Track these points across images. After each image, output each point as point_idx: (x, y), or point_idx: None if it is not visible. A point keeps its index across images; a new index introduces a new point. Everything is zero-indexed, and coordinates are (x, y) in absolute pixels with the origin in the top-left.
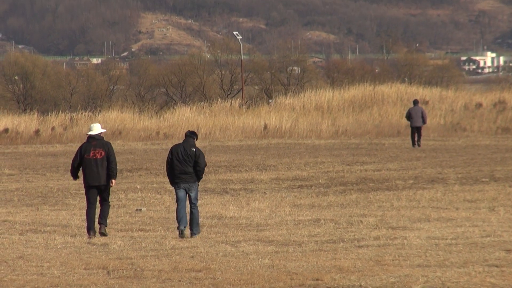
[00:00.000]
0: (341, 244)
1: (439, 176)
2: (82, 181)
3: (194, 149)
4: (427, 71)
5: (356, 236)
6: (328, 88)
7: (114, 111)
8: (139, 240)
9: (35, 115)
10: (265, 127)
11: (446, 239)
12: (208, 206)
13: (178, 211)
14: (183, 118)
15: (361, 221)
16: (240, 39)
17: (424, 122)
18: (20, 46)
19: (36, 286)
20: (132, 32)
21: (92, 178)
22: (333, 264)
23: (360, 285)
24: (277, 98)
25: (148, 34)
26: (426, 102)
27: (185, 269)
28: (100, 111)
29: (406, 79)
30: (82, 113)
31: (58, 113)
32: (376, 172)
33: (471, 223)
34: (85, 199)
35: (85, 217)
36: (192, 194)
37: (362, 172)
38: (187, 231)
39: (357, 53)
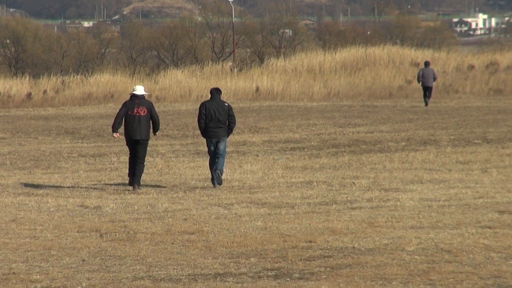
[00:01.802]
0: (334, 206)
1: (431, 138)
2: (124, 135)
3: (227, 104)
4: (419, 33)
5: (348, 198)
6: (320, 51)
7: (106, 74)
8: (132, 203)
9: (27, 79)
10: (257, 89)
11: (439, 200)
12: (200, 168)
13: (210, 162)
14: (174, 81)
15: (353, 183)
16: (232, 1)
17: (434, 80)
18: (11, 10)
19: (29, 249)
20: None
21: (134, 132)
22: (326, 226)
23: (353, 247)
24: (268, 60)
25: None
26: (418, 64)
27: (178, 232)
28: (91, 74)
29: (398, 41)
30: (73, 76)
31: (50, 77)
32: (369, 134)
33: (463, 185)
34: (128, 150)
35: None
36: (221, 146)
37: (354, 134)
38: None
39: (349, 15)
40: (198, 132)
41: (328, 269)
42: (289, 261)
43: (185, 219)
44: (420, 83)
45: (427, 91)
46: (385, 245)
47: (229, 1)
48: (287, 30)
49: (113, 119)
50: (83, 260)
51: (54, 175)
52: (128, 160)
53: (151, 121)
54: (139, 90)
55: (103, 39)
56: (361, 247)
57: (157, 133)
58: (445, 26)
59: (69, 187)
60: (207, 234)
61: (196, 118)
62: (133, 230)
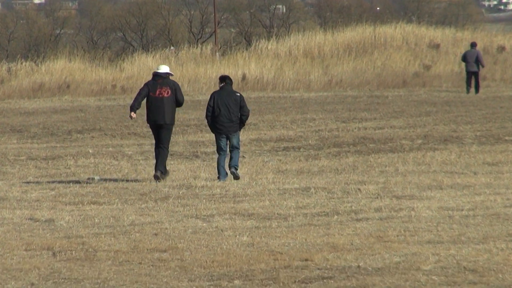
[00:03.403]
0: (335, 217)
1: (453, 134)
2: (146, 120)
3: (238, 94)
4: (439, 8)
5: (353, 207)
6: (319, 30)
7: (61, 61)
8: (92, 215)
9: None
10: (244, 77)
11: (462, 210)
12: (175, 173)
13: (218, 161)
14: (144, 68)
15: (359, 189)
16: None
17: (481, 65)
18: None
19: None
20: None
21: (157, 116)
22: (325, 242)
23: (358, 266)
24: (257, 42)
25: None
26: (438, 46)
27: (147, 249)
28: (43, 60)
29: (414, 18)
30: (22, 63)
31: None
32: (378, 131)
33: (492, 191)
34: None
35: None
36: (234, 140)
37: (360, 130)
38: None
39: None
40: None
41: None
42: (281, 284)
43: (155, 234)
44: (465, 67)
45: (472, 76)
46: (397, 263)
47: None
48: (279, 6)
49: (133, 100)
50: (32, 284)
51: None
52: (154, 151)
53: (176, 104)
54: (164, 69)
55: (58, 18)
56: (368, 266)
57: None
58: (470, 0)
59: (15, 197)
60: (182, 252)
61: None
62: (92, 248)
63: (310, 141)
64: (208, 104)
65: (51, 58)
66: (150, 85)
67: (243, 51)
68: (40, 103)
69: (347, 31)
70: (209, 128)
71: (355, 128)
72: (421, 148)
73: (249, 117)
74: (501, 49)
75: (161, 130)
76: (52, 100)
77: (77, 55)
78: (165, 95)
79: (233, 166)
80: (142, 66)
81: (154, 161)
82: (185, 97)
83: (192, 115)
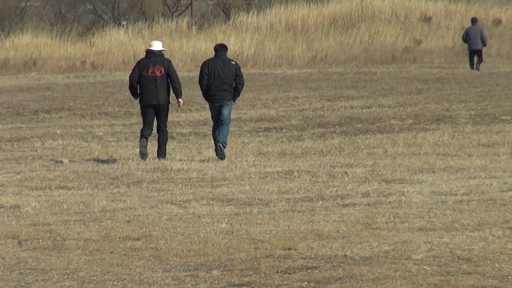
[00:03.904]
0: (320, 202)
1: (446, 113)
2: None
3: (234, 63)
4: None
5: (339, 192)
6: (302, 2)
7: (27, 35)
8: (60, 201)
9: None
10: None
11: (456, 194)
12: (149, 155)
13: (214, 130)
14: (115, 43)
15: (345, 172)
16: None
17: (484, 44)
18: None
19: None
20: None
21: (150, 96)
22: (309, 229)
23: (345, 255)
24: (236, 16)
25: None
26: (429, 19)
27: (119, 238)
28: (8, 35)
29: None
30: None
31: None
32: (365, 110)
33: (487, 174)
34: (142, 120)
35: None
36: (225, 111)
37: (347, 109)
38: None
39: None
40: None
41: (312, 284)
42: (262, 274)
43: (128, 221)
44: (467, 45)
45: (475, 54)
46: (386, 252)
47: None
48: None
49: (128, 84)
50: None
51: None
52: (140, 130)
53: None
54: (157, 45)
55: None
56: (355, 255)
57: (181, 99)
58: None
59: None
60: (157, 240)
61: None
62: (61, 236)
63: (293, 121)
64: (202, 71)
65: (16, 32)
66: (142, 63)
67: (221, 25)
68: (4, 81)
69: (332, 3)
70: (203, 97)
71: (341, 107)
72: (412, 128)
73: (244, 86)
74: (497, 22)
75: (155, 111)
76: (18, 78)
77: (44, 30)
78: (158, 74)
79: (221, 142)
80: (113, 41)
81: (139, 138)
82: None
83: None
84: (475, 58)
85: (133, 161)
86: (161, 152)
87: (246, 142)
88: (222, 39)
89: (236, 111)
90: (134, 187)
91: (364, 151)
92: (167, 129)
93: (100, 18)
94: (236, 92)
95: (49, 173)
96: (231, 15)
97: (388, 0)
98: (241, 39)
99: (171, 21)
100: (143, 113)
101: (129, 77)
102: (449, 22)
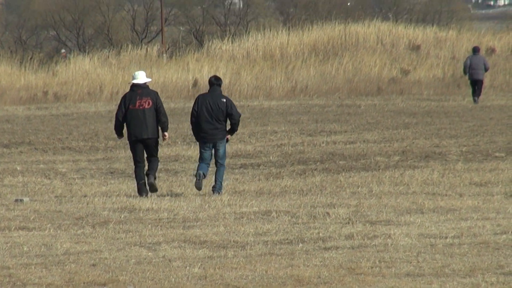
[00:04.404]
0: (300, 245)
1: (435, 150)
2: (127, 137)
3: (225, 100)
4: (419, 3)
5: (321, 234)
6: (281, 29)
7: None
8: (20, 243)
9: None
10: (195, 83)
11: (446, 237)
12: (115, 194)
13: (199, 165)
14: (80, 72)
15: (327, 213)
16: None
17: (486, 70)
18: None
19: None
20: None
21: (139, 131)
22: (289, 274)
23: None
24: (210, 43)
25: None
26: (418, 47)
27: (84, 283)
28: None
29: (390, 15)
30: None
31: None
32: (349, 145)
33: (480, 215)
34: (132, 158)
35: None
36: (220, 150)
37: (329, 145)
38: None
39: None
40: (112, 143)
41: None
42: None
43: (93, 265)
44: (467, 75)
45: (476, 85)
46: None
47: None
48: (236, 1)
49: (114, 121)
50: None
51: None
52: (134, 171)
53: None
54: (141, 77)
55: None
56: None
57: (167, 133)
58: None
59: None
60: (125, 286)
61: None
62: (21, 281)
63: (271, 158)
64: (193, 108)
65: None
66: (128, 97)
67: (194, 53)
68: None
69: (313, 30)
70: (194, 136)
71: (323, 143)
72: (399, 165)
73: (239, 123)
74: (491, 51)
75: (145, 146)
76: None
77: (3, 57)
78: (146, 106)
79: (217, 190)
80: (78, 70)
81: (136, 183)
82: None
83: None
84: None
85: (99, 199)
86: (152, 172)
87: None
88: (195, 68)
89: None
90: (100, 228)
91: (347, 190)
92: (158, 157)
93: (64, 45)
94: (231, 130)
95: (8, 212)
96: (204, 42)
97: (373, 27)
98: (215, 68)
99: (140, 49)
100: (133, 150)
101: (116, 114)
102: (439, 51)
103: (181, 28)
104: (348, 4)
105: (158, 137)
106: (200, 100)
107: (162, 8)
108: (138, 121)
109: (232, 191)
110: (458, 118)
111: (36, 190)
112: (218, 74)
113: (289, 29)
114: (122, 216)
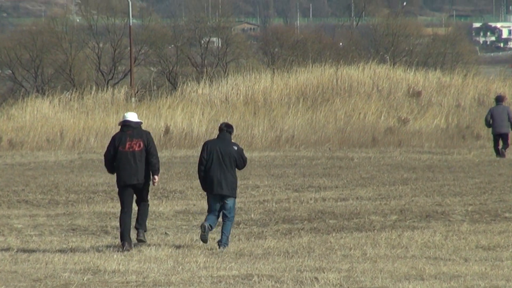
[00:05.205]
0: None
1: (438, 209)
2: (116, 181)
3: (236, 148)
4: (420, 44)
5: None
6: (265, 71)
7: None
8: None
9: None
10: (167, 131)
11: None
12: (78, 253)
13: (207, 217)
14: (39, 116)
15: (316, 278)
16: None
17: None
18: None
19: None
20: None
21: (129, 175)
22: None
23: None
24: (185, 85)
25: None
26: (418, 94)
27: None
28: None
29: (388, 58)
30: None
31: None
32: (340, 203)
33: (488, 283)
34: (119, 202)
35: (118, 224)
36: (229, 203)
37: (317, 202)
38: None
39: (311, 15)
40: (73, 197)
41: None
42: None
43: None
44: (491, 128)
45: (500, 139)
46: None
47: None
48: (214, 39)
49: (104, 163)
50: None
51: None
52: (119, 217)
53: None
54: (132, 117)
55: None
56: None
57: (157, 177)
58: (462, 35)
59: None
60: None
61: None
62: None
63: (252, 215)
64: (201, 155)
65: None
66: (118, 138)
67: (166, 96)
68: None
69: (301, 73)
70: (201, 186)
71: (311, 199)
72: (396, 226)
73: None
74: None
75: (135, 190)
76: None
77: None
78: (136, 148)
79: (223, 244)
80: (36, 114)
81: (120, 231)
82: (91, 156)
83: (100, 179)
84: (500, 144)
85: (59, 259)
86: (142, 224)
87: (196, 239)
88: (167, 114)
89: (183, 201)
90: None
91: (338, 253)
92: (148, 200)
93: (20, 86)
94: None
95: None
96: (178, 84)
97: (368, 70)
98: (189, 114)
99: (106, 91)
100: (121, 195)
101: (104, 155)
102: (442, 98)
103: (153, 69)
104: (340, 44)
105: (149, 181)
106: (209, 147)
107: (132, 46)
108: (127, 165)
109: (208, 252)
110: (464, 173)
111: None
112: (193, 121)
113: (273, 72)
114: (85, 279)
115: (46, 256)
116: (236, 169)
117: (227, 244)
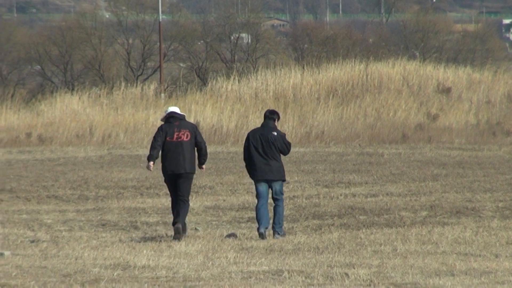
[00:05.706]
0: None
1: (468, 205)
2: (161, 169)
3: (276, 133)
4: (450, 41)
5: None
6: (294, 67)
7: None
8: None
9: None
10: (197, 126)
11: None
12: (108, 249)
13: (257, 209)
14: (68, 112)
15: (346, 274)
16: None
17: None
18: None
19: None
20: None
21: (176, 165)
22: None
23: None
24: (214, 81)
25: None
26: (448, 90)
27: None
28: None
29: (418, 54)
30: None
31: None
32: (370, 199)
33: None
34: (168, 193)
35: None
36: (277, 187)
37: (348, 198)
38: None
39: (340, 12)
40: (103, 192)
41: None
42: None
43: None
44: None
45: None
46: None
47: None
48: (244, 35)
49: (149, 149)
50: None
51: None
52: (171, 205)
53: (196, 149)
54: (176, 110)
55: None
56: None
57: (204, 166)
58: (492, 31)
59: None
60: None
61: None
62: None
63: None
64: (244, 144)
65: None
66: (165, 128)
67: (196, 92)
68: None
69: (331, 69)
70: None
71: (341, 195)
72: (427, 222)
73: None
74: None
75: (179, 180)
76: None
77: None
78: (184, 139)
79: (276, 230)
80: (65, 110)
81: (172, 220)
82: (121, 152)
83: (130, 174)
84: None
85: (89, 255)
86: (182, 224)
87: (226, 235)
88: (197, 110)
89: (213, 197)
90: (90, 287)
91: (368, 249)
92: (189, 201)
93: (50, 82)
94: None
95: None
96: (207, 80)
97: (398, 67)
98: (219, 110)
99: (135, 87)
100: (169, 184)
101: (152, 143)
102: (472, 94)
103: (182, 65)
104: (370, 40)
105: (194, 172)
106: (251, 135)
107: (161, 42)
108: (175, 154)
109: (238, 248)
110: (494, 170)
111: (18, 243)
112: (223, 117)
113: (303, 67)
114: (115, 274)
115: (76, 252)
116: (282, 155)
117: (282, 231)
